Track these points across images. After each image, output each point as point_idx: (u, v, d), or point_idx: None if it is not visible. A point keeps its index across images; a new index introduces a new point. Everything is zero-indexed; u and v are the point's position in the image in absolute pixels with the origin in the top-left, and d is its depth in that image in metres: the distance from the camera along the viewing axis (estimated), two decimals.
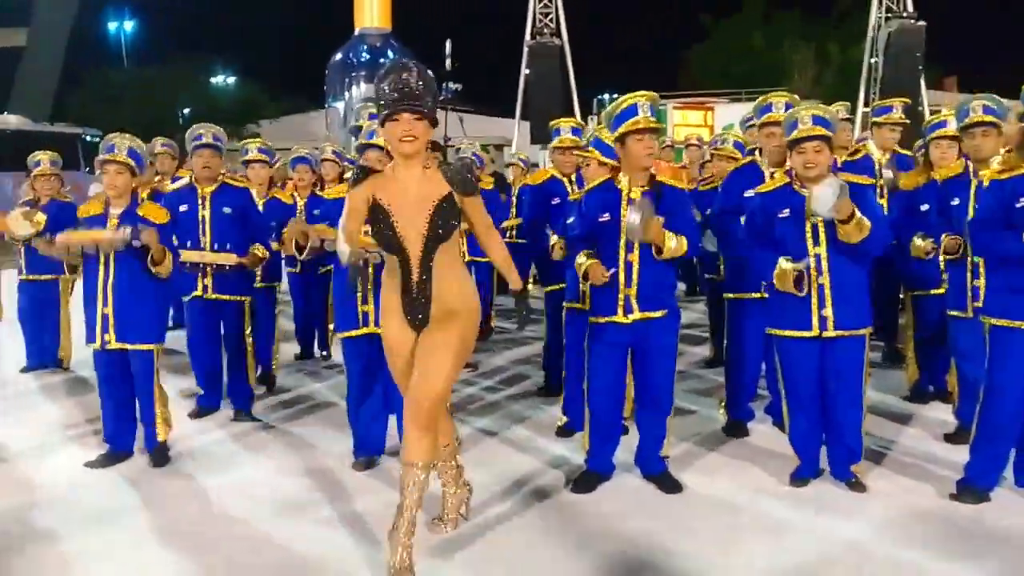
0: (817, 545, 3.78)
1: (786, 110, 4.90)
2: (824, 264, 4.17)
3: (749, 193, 5.00)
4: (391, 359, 3.59)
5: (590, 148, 4.93)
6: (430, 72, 3.35)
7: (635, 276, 4.24)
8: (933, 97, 21.78)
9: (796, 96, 5.16)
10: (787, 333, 4.30)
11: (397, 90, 3.25)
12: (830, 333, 4.20)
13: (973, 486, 4.19)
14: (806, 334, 4.24)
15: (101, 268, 4.71)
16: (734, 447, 5.06)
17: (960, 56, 32.90)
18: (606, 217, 4.29)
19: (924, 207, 5.42)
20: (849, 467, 4.35)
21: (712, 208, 5.46)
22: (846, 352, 4.25)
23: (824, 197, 3.97)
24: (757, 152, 5.24)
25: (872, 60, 21.58)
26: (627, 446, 4.61)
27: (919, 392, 5.91)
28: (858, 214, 3.99)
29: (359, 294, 4.62)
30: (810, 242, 4.19)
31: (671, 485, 4.38)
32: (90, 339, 4.79)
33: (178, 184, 6.18)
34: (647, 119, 4.19)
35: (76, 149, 23.20)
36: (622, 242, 4.23)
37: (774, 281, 4.20)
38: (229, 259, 5.51)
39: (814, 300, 4.19)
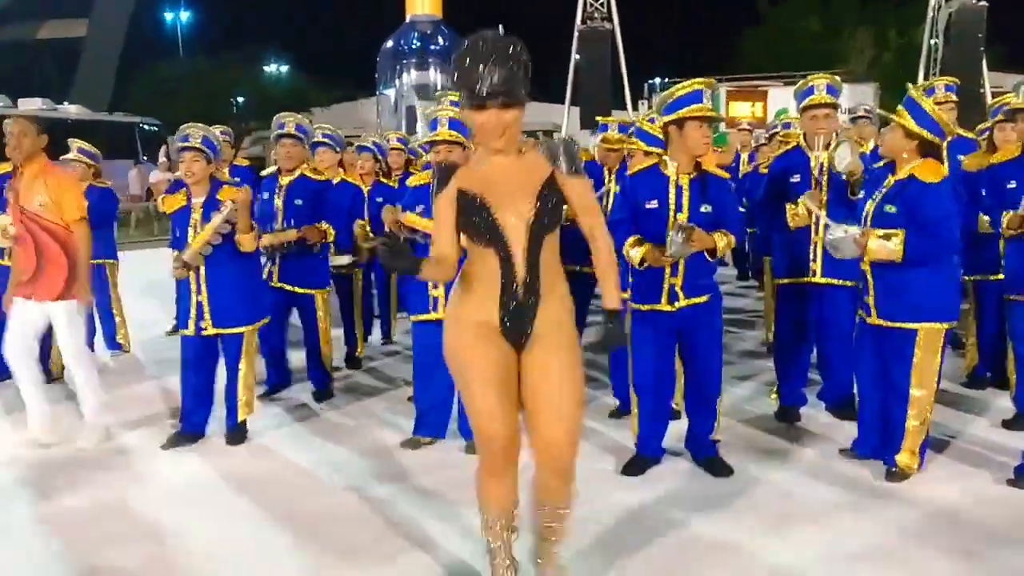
0: (870, 531, 3.73)
1: (828, 92, 4.86)
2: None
3: (795, 178, 4.98)
4: (478, 384, 2.87)
5: (634, 139, 4.93)
6: (519, 45, 2.73)
7: (681, 265, 4.21)
8: (995, 79, 21.18)
9: (837, 78, 5.07)
10: (860, 313, 4.36)
11: (482, 77, 2.66)
12: (873, 320, 4.22)
13: None
14: (863, 314, 4.31)
15: None
16: (785, 432, 5.02)
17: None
18: (653, 204, 4.25)
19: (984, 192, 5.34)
20: (893, 456, 4.26)
21: (758, 193, 5.40)
22: (891, 344, 4.19)
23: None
24: (801, 137, 5.17)
25: (932, 42, 21.10)
26: (679, 431, 4.60)
27: (977, 378, 5.81)
28: (872, 249, 4.01)
29: (430, 281, 4.56)
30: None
31: (721, 469, 4.36)
32: (182, 325, 4.92)
33: (267, 172, 6.23)
34: (710, 108, 4.17)
35: (134, 138, 23.69)
36: (668, 230, 4.19)
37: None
38: (288, 236, 5.57)
39: (861, 284, 4.27)
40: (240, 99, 35.76)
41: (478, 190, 2.84)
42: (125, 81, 32.13)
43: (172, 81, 33.60)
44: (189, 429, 5.02)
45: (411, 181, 5.04)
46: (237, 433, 5.03)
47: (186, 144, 4.80)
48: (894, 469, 4.23)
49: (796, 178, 5.00)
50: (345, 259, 6.48)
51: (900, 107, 4.12)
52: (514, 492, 3.03)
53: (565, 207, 2.90)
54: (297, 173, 5.73)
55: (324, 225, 5.68)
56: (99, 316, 7.29)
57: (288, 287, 5.73)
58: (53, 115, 21.75)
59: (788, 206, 4.95)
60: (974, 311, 5.80)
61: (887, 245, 4.00)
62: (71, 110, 23.29)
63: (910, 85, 4.23)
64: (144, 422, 5.45)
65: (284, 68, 40.06)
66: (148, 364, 7.02)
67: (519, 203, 2.82)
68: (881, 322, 4.19)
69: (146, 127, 25.50)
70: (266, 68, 39.26)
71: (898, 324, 4.15)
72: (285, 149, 5.64)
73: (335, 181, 6.20)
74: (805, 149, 5.04)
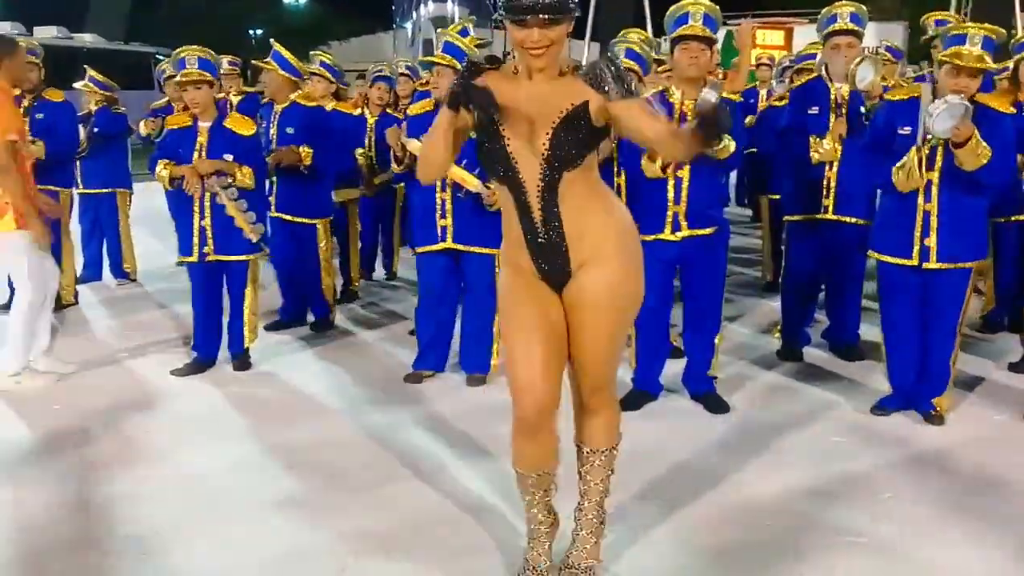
0: (865, 470, 3.70)
1: (852, 20, 4.69)
2: (934, 191, 3.91)
3: (813, 110, 4.85)
4: (517, 332, 2.63)
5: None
6: None
7: (684, 193, 4.11)
8: None
9: (864, 8, 4.89)
10: (887, 259, 4.10)
11: None
12: (931, 265, 3.98)
13: None
14: (905, 262, 4.03)
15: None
16: (787, 371, 4.97)
17: None
18: None
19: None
20: (931, 399, 4.18)
21: (777, 123, 5.26)
22: (947, 285, 4.03)
23: (939, 114, 3.65)
24: (823, 67, 5.01)
25: None
26: (678, 370, 4.56)
27: (991, 322, 5.70)
28: (976, 140, 3.71)
29: (438, 210, 4.55)
30: (922, 168, 3.87)
31: (718, 405, 4.33)
32: (185, 252, 4.91)
33: (266, 99, 6.14)
34: (693, 27, 4.02)
35: (150, 68, 23.52)
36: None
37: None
38: (270, 159, 5.42)
39: (918, 228, 3.95)
40: (258, 31, 35.40)
41: (499, 111, 2.49)
42: (141, 10, 31.82)
43: (189, 11, 33.29)
44: (202, 359, 5.04)
45: (412, 109, 4.96)
46: (242, 359, 5.06)
47: (185, 73, 4.69)
48: (934, 412, 4.15)
49: (815, 110, 4.86)
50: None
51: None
52: (550, 455, 2.74)
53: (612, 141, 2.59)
54: (289, 101, 5.65)
55: (299, 148, 5.54)
56: (107, 244, 7.32)
57: (288, 217, 5.69)
58: (69, 43, 21.61)
59: (812, 139, 4.82)
60: (992, 254, 5.67)
61: (982, 147, 3.72)
62: (86, 39, 23.12)
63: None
64: (152, 349, 5.49)
65: (303, 0, 39.59)
66: (155, 293, 7.04)
67: (536, 134, 2.49)
68: (942, 265, 3.96)
69: (162, 57, 25.29)
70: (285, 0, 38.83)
71: (960, 264, 3.99)
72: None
73: (328, 108, 6.11)
74: (825, 79, 4.89)
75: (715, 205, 4.24)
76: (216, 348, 5.09)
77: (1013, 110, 3.91)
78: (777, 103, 5.30)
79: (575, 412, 2.82)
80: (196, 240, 4.82)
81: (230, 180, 4.74)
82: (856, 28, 4.78)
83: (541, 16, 2.37)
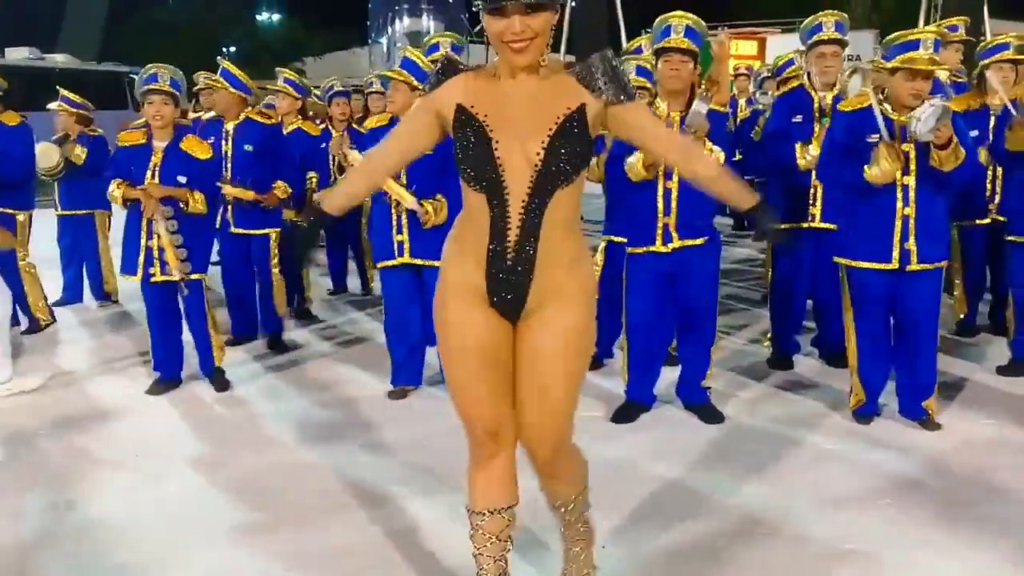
0: (860, 478, 3.70)
1: (836, 29, 4.73)
2: (911, 194, 3.97)
3: (797, 118, 4.88)
4: (457, 356, 2.37)
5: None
6: None
7: (674, 204, 4.11)
8: (995, 26, 20.86)
9: (846, 16, 4.94)
10: (864, 265, 4.11)
11: None
12: (913, 267, 4.02)
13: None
14: (885, 266, 4.06)
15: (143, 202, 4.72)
16: (778, 380, 4.97)
17: None
18: None
19: (973, 133, 5.24)
20: (921, 403, 4.20)
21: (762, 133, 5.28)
22: (926, 286, 4.08)
23: (926, 118, 3.73)
24: (805, 76, 5.04)
25: None
26: (671, 379, 4.55)
27: (967, 326, 5.75)
28: (955, 140, 3.82)
29: (393, 225, 4.55)
30: (899, 172, 3.95)
31: (712, 415, 4.32)
32: (129, 270, 4.82)
33: (207, 115, 6.15)
34: (673, 40, 4.04)
35: (124, 88, 23.35)
36: (661, 169, 4.10)
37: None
38: (246, 195, 5.49)
39: (897, 231, 4.00)
40: (232, 48, 35.28)
41: (484, 112, 2.23)
42: (114, 29, 31.62)
43: (162, 29, 33.12)
44: (164, 378, 4.99)
45: (368, 123, 4.98)
46: (219, 380, 5.00)
47: (155, 86, 4.67)
48: (928, 416, 4.19)
49: (799, 118, 4.90)
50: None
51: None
52: (506, 490, 2.47)
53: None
54: (242, 117, 5.61)
55: (281, 189, 5.60)
56: (87, 266, 7.24)
57: (243, 231, 5.67)
58: (41, 64, 21.40)
59: (798, 146, 4.85)
60: (960, 258, 5.71)
61: (959, 147, 3.85)
62: (59, 59, 22.88)
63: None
64: (123, 370, 5.43)
65: (276, 17, 39.50)
66: (134, 313, 6.94)
67: (528, 141, 2.20)
68: (922, 266, 4.02)
69: (135, 76, 25.10)
70: (259, 16, 38.71)
71: (936, 264, 4.07)
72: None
73: (289, 129, 6.08)
74: (809, 88, 4.93)
75: (706, 215, 4.24)
76: (178, 367, 5.04)
77: (961, 108, 4.03)
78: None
79: (539, 479, 2.57)
80: (141, 259, 4.76)
81: (182, 206, 4.69)
82: (841, 37, 4.82)
83: (522, 1, 2.11)
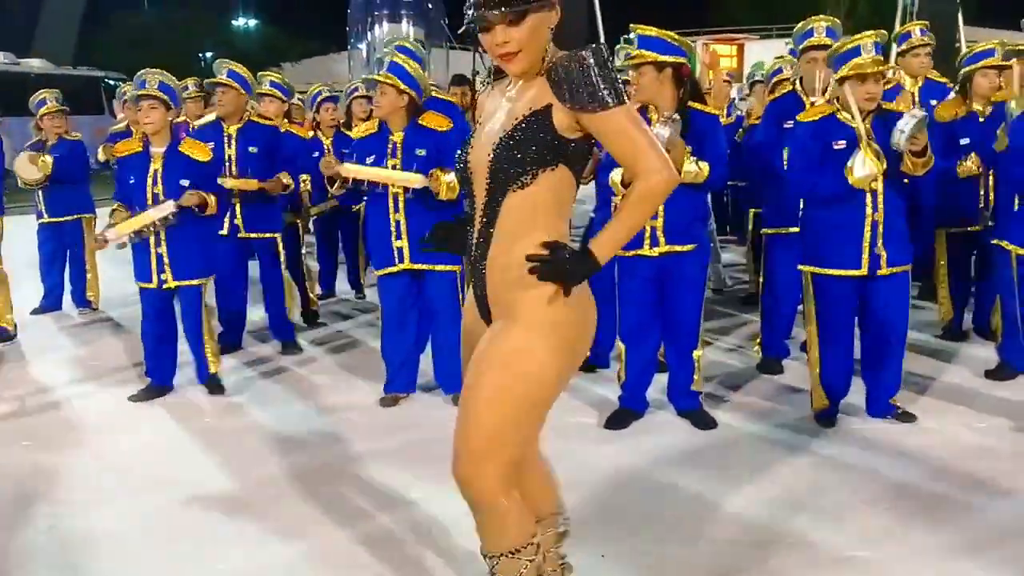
0: (852, 482, 3.70)
1: (828, 35, 4.74)
2: (880, 200, 4.01)
3: (788, 124, 4.88)
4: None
5: None
6: None
7: (661, 208, 4.09)
8: (971, 33, 21.09)
9: (837, 21, 4.96)
10: (832, 272, 4.13)
11: None
12: (883, 271, 4.06)
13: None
14: (853, 273, 4.09)
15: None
16: (768, 384, 4.98)
17: None
18: None
19: (964, 141, 5.30)
20: (888, 400, 4.27)
21: (752, 139, 5.30)
22: (896, 289, 4.13)
23: (909, 129, 3.80)
24: (797, 81, 5.06)
25: None
26: (663, 385, 4.54)
27: (953, 331, 5.78)
28: (930, 147, 3.88)
29: (392, 232, 4.53)
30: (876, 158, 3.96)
31: (704, 421, 4.32)
32: (143, 278, 4.78)
33: (203, 121, 6.10)
34: (640, 52, 4.03)
35: (99, 92, 23.14)
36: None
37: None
38: (250, 184, 5.44)
39: (866, 237, 4.03)
40: (209, 54, 35.08)
41: (479, 117, 2.34)
42: (89, 33, 31.35)
43: (138, 31, 32.88)
44: (156, 384, 4.94)
45: (355, 132, 4.93)
46: (215, 385, 4.96)
47: (143, 92, 4.64)
48: (899, 410, 4.29)
49: (790, 124, 4.89)
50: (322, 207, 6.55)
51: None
52: (530, 505, 2.39)
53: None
54: (244, 120, 5.58)
55: (286, 176, 5.58)
56: (71, 272, 7.15)
57: (254, 235, 5.64)
58: (16, 69, 21.17)
59: (787, 150, 4.84)
60: (947, 263, 5.72)
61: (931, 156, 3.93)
62: (34, 64, 22.68)
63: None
64: (112, 378, 5.35)
65: (253, 22, 39.33)
66: (118, 319, 6.86)
67: (489, 143, 2.22)
68: (892, 270, 4.07)
69: (111, 81, 24.86)
70: (235, 22, 38.51)
71: (904, 267, 4.13)
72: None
73: (281, 129, 6.05)
74: (800, 94, 4.94)
75: (695, 222, 4.23)
76: (171, 374, 5.00)
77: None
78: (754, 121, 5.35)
79: None
80: (154, 266, 4.74)
81: (195, 210, 4.68)
82: (832, 42, 4.82)
83: (501, 11, 2.10)
